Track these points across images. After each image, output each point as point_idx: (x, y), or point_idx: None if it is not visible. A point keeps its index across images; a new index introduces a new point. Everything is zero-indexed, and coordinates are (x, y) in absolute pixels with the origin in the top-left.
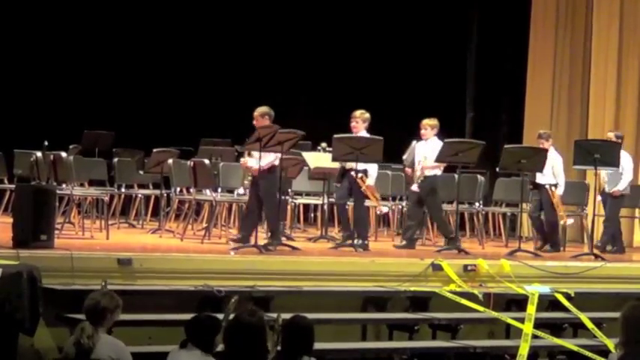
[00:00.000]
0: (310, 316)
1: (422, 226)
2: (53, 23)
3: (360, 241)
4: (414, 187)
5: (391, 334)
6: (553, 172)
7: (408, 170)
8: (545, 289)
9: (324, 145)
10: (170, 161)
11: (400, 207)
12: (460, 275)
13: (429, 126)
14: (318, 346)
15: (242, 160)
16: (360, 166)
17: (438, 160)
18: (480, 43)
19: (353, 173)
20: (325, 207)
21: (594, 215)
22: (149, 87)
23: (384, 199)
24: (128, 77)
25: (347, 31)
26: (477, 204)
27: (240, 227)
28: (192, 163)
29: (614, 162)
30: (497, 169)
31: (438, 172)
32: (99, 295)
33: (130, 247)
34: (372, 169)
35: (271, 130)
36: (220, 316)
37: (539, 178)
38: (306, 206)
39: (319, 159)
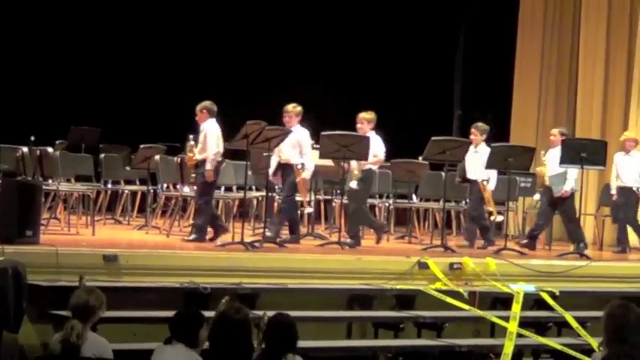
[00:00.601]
0: (296, 313)
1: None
2: (40, 19)
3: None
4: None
5: (376, 333)
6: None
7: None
8: (531, 287)
9: (311, 142)
10: (157, 157)
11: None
12: (446, 273)
13: (365, 120)
14: (303, 344)
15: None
16: (298, 159)
17: (425, 158)
18: (467, 42)
19: (292, 164)
20: (312, 204)
21: (580, 214)
22: (136, 83)
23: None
24: (115, 73)
25: (335, 29)
26: (463, 202)
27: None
28: (179, 159)
29: (600, 161)
30: (484, 168)
31: (374, 167)
32: (86, 293)
33: (116, 243)
34: (308, 162)
35: (259, 126)
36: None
37: (471, 174)
38: None
39: None
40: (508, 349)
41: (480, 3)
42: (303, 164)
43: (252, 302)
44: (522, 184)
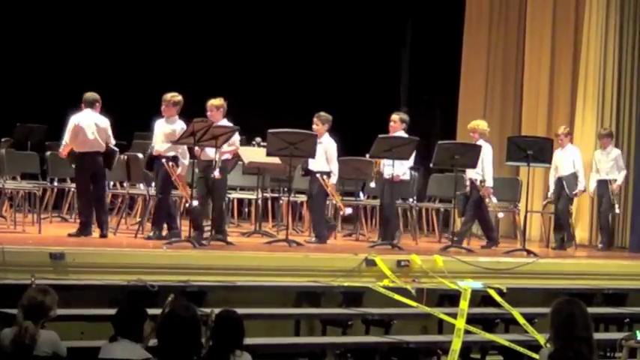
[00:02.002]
0: (244, 311)
1: None
2: None
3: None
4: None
5: (324, 330)
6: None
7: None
8: (478, 284)
9: (258, 139)
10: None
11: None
12: (394, 271)
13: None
14: (251, 341)
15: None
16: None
17: (372, 155)
18: (414, 40)
19: (163, 160)
20: (259, 202)
21: (527, 211)
22: (81, 80)
23: None
24: (60, 71)
25: (284, 28)
26: (410, 200)
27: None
28: (125, 157)
29: (546, 158)
30: (431, 165)
31: (229, 156)
32: (40, 294)
33: (62, 241)
34: (185, 157)
35: (206, 124)
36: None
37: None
38: (240, 201)
39: (254, 154)
40: (456, 346)
41: (427, 1)
42: (176, 158)
43: (199, 300)
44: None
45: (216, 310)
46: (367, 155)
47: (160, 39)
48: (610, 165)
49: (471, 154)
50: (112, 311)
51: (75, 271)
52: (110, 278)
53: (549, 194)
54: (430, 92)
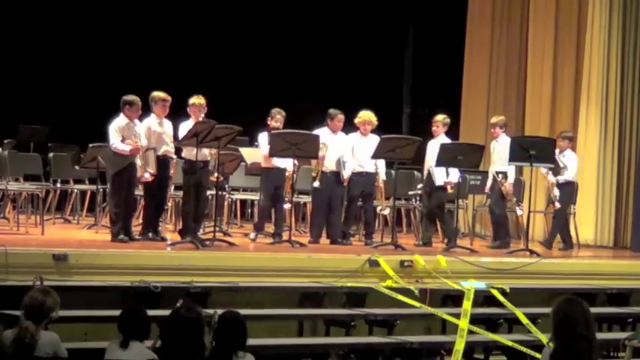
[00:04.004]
0: (247, 311)
1: None
2: None
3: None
4: None
5: (328, 330)
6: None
7: None
8: (481, 284)
9: (260, 140)
10: (99, 158)
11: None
12: (397, 271)
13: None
14: (254, 342)
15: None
16: None
17: (375, 156)
18: (416, 41)
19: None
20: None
21: (530, 211)
22: (85, 81)
23: None
24: (63, 72)
25: (288, 32)
26: (413, 200)
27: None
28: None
29: (549, 159)
30: (434, 166)
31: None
32: (42, 294)
33: (65, 242)
34: (151, 159)
35: (208, 125)
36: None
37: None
38: (243, 202)
39: (256, 154)
40: (459, 346)
41: (429, 2)
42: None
43: (203, 301)
44: (472, 182)
45: (220, 311)
46: (370, 156)
47: (159, 39)
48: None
49: (473, 155)
50: (115, 312)
51: (78, 273)
52: (113, 279)
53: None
54: (433, 93)
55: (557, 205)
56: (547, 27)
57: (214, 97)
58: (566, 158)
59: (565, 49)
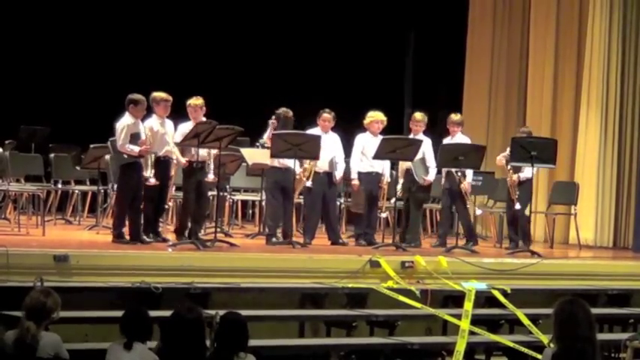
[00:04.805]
0: (248, 312)
1: None
2: None
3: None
4: None
5: (329, 331)
6: None
7: None
8: (482, 285)
9: (262, 141)
10: (107, 157)
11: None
12: (398, 272)
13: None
14: (255, 343)
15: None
16: None
17: (376, 157)
18: (418, 42)
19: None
20: (263, 203)
21: (531, 212)
22: (86, 82)
23: None
24: (64, 72)
25: (293, 33)
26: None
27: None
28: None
29: (550, 159)
30: (435, 167)
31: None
32: (43, 295)
33: (66, 243)
34: (150, 162)
35: (210, 125)
36: (158, 313)
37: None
38: (244, 202)
39: (257, 155)
40: (460, 347)
41: (431, 5)
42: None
43: (204, 302)
44: (473, 183)
45: (221, 312)
46: (371, 157)
47: (160, 39)
48: None
49: (474, 155)
50: (115, 313)
51: (79, 274)
52: (114, 280)
53: None
54: (434, 93)
55: (518, 205)
56: (548, 30)
57: (215, 98)
58: None
59: (566, 52)
